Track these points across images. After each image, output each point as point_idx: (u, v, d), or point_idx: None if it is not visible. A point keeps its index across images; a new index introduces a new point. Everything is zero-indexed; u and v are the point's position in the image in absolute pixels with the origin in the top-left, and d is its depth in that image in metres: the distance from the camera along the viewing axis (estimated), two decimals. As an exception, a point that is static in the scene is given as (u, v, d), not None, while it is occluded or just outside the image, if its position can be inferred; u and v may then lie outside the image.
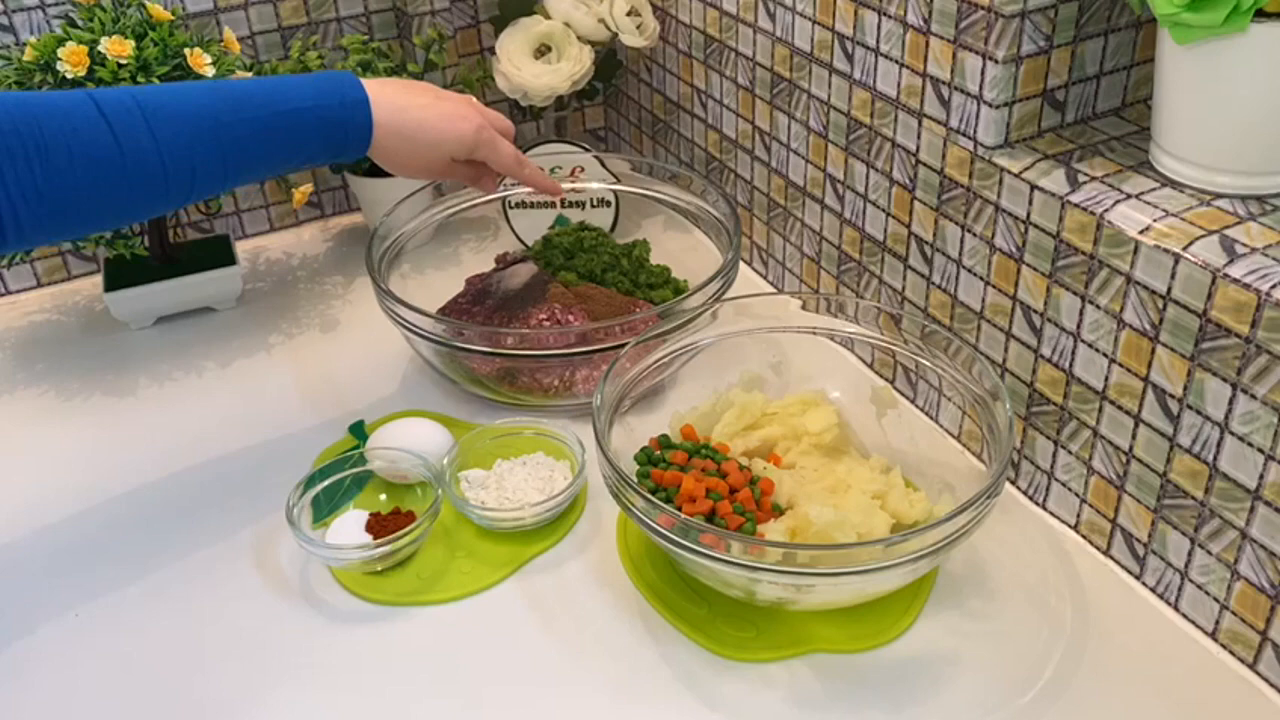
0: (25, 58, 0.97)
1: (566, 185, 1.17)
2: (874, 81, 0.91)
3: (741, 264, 1.17)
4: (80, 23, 1.00)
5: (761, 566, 0.72)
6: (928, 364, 0.89)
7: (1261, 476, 0.69)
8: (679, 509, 0.82)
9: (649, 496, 0.75)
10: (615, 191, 1.17)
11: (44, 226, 0.74)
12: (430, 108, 0.89)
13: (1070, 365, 0.81)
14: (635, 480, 0.79)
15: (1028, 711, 0.73)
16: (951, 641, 0.78)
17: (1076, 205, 0.76)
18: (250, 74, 1.04)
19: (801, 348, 0.95)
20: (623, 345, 0.90)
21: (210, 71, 0.99)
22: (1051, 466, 0.86)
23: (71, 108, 0.74)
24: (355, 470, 0.91)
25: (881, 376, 1.00)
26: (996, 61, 0.79)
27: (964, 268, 0.87)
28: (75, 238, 0.83)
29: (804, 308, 0.93)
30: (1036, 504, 0.88)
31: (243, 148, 0.80)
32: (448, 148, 0.90)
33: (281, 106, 0.81)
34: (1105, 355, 0.77)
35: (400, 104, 0.87)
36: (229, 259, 1.15)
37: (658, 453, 0.88)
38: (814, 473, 0.87)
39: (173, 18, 1.02)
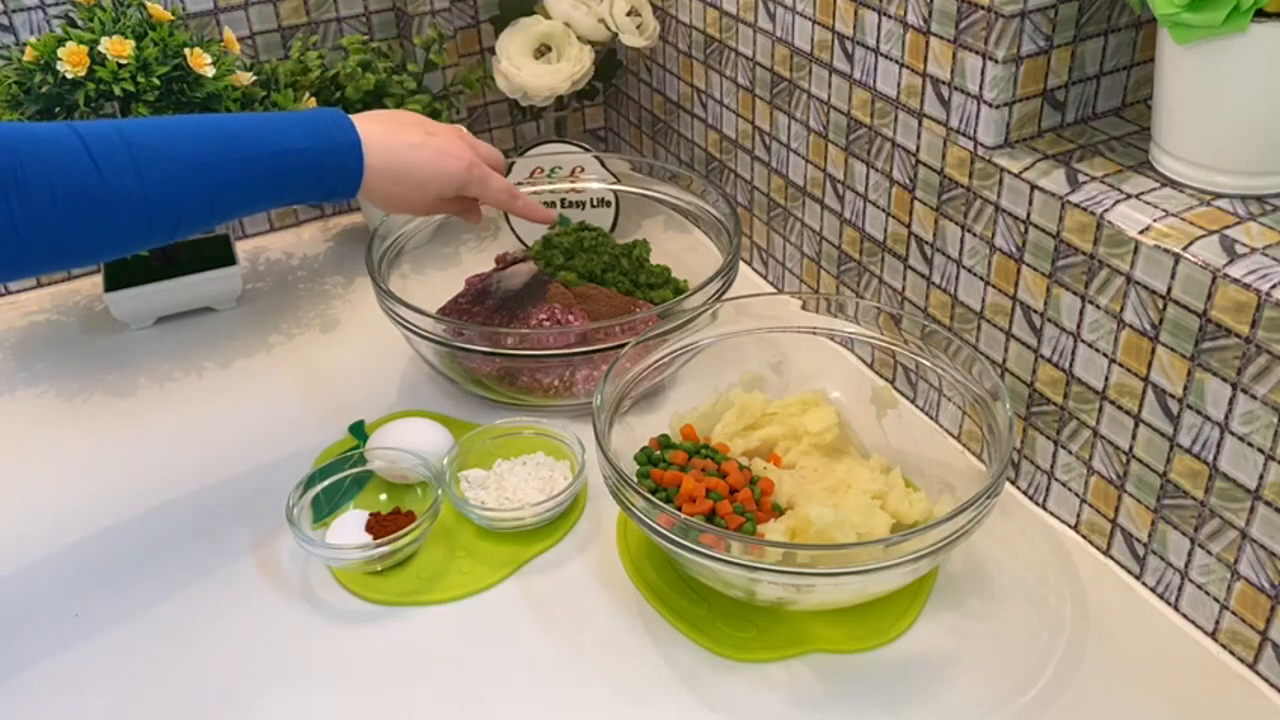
0: (25, 58, 0.97)
1: (566, 185, 1.17)
2: (874, 81, 0.91)
3: (741, 264, 1.17)
4: (80, 23, 1.00)
5: (761, 566, 0.72)
6: (928, 364, 0.89)
7: (1261, 476, 0.69)
8: (679, 509, 0.82)
9: (649, 496, 0.75)
10: (615, 191, 1.17)
11: (19, 261, 0.71)
12: (422, 147, 0.87)
13: (1070, 365, 0.80)
14: (635, 480, 0.79)
15: (1028, 711, 0.73)
16: (951, 641, 0.78)
17: (1076, 205, 0.76)
18: (250, 74, 1.04)
19: (802, 348, 0.95)
20: (623, 345, 0.90)
21: (210, 71, 0.99)
22: (1051, 466, 0.85)
23: (54, 141, 0.71)
24: (355, 470, 0.91)
25: (881, 376, 1.00)
26: (996, 61, 0.79)
27: (964, 268, 0.87)
28: (51, 272, 0.81)
29: (804, 308, 0.93)
30: (1036, 504, 0.88)
31: (230, 188, 0.78)
32: (437, 187, 0.89)
33: (271, 147, 0.79)
34: (1105, 355, 0.77)
35: (391, 144, 0.85)
36: (229, 259, 1.15)
37: (658, 453, 0.88)
38: (814, 473, 0.87)
39: (173, 18, 1.02)
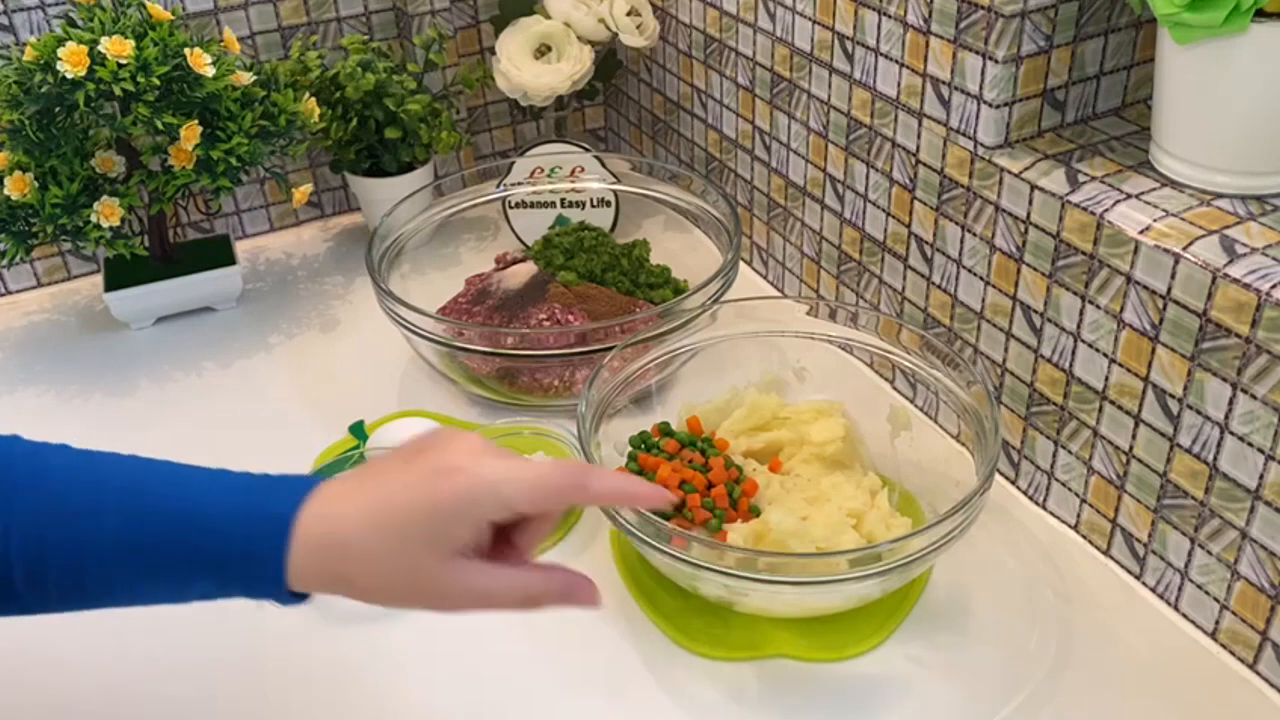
0: (25, 58, 0.97)
1: (566, 185, 1.17)
2: (874, 81, 0.91)
3: (742, 264, 1.17)
4: (80, 23, 1.00)
5: (692, 561, 0.72)
6: (934, 378, 0.88)
7: (1261, 476, 0.69)
8: None
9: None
10: (615, 191, 1.17)
11: None
12: (389, 479, 0.56)
13: (1070, 365, 0.80)
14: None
15: (1026, 710, 0.73)
16: (950, 640, 0.78)
17: (1076, 205, 0.76)
18: (250, 74, 1.04)
19: (823, 356, 0.94)
20: (622, 345, 0.90)
21: (210, 71, 0.99)
22: (1051, 466, 0.85)
23: None
24: (355, 470, 0.91)
25: (902, 395, 0.99)
26: (996, 61, 0.79)
27: (964, 268, 0.87)
28: None
29: (832, 318, 0.92)
30: (1036, 504, 0.88)
31: (115, 544, 0.57)
32: (430, 533, 0.54)
33: (170, 503, 0.56)
34: (1105, 355, 0.77)
35: (343, 506, 0.56)
36: (229, 259, 1.15)
37: (655, 439, 0.89)
38: (806, 482, 0.86)
39: (173, 18, 1.02)
